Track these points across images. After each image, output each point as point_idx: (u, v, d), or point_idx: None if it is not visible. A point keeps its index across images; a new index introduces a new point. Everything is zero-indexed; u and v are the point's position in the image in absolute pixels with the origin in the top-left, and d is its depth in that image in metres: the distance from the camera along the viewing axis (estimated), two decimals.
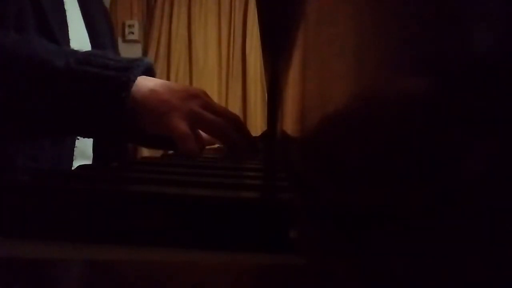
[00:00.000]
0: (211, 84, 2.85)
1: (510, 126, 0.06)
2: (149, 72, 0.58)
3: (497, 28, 0.06)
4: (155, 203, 0.22)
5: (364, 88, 0.14)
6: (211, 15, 2.96)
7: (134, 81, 0.53)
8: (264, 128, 1.43)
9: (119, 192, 0.23)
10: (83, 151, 0.74)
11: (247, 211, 0.21)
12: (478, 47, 0.07)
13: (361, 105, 0.14)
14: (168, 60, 2.93)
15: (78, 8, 0.76)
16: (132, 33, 2.91)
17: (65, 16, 0.69)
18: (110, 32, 0.84)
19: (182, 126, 0.54)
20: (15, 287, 0.15)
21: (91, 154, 0.77)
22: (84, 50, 0.56)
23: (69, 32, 0.68)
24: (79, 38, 0.72)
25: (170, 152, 0.74)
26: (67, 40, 0.67)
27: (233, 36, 2.95)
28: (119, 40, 2.77)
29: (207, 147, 0.76)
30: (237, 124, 0.60)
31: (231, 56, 2.95)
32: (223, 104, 2.71)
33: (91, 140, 0.77)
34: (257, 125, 2.75)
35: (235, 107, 2.79)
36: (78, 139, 0.70)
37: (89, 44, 0.76)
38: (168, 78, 2.81)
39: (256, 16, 0.53)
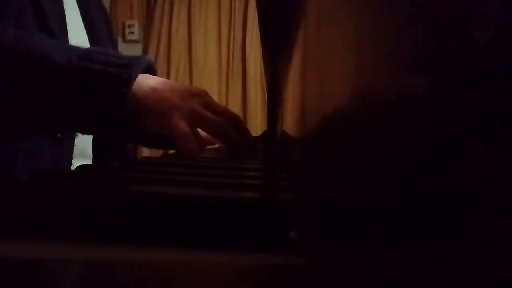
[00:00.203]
0: (211, 84, 2.85)
1: (510, 125, 0.06)
2: (150, 70, 0.58)
3: (498, 25, 0.06)
4: (155, 203, 0.22)
5: (364, 88, 0.14)
6: (211, 15, 2.96)
7: (135, 78, 0.53)
8: (264, 128, 1.43)
9: (119, 192, 0.23)
10: (83, 150, 0.74)
11: (247, 211, 0.21)
12: (477, 49, 0.07)
13: (361, 105, 0.14)
14: (168, 60, 2.93)
15: (77, 8, 0.76)
16: (132, 33, 2.91)
17: (64, 16, 0.69)
18: (108, 31, 0.84)
19: (183, 125, 0.54)
20: (15, 287, 0.15)
21: (91, 153, 0.77)
22: (84, 47, 0.56)
23: (68, 31, 0.68)
24: (78, 38, 0.72)
25: (170, 152, 0.74)
26: (66, 39, 0.67)
27: (233, 36, 2.95)
28: (119, 40, 2.77)
29: (207, 147, 0.76)
30: (237, 124, 0.60)
31: (231, 56, 2.95)
32: (223, 104, 2.71)
33: (90, 139, 0.77)
34: (257, 125, 2.75)
35: (235, 107, 2.79)
36: (77, 136, 0.70)
37: (88, 43, 0.76)
38: (168, 78, 2.79)
39: (256, 16, 0.53)
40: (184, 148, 0.54)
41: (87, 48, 0.56)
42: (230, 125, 0.57)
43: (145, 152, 2.32)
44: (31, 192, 0.23)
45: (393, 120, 0.11)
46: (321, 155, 0.22)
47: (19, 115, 0.54)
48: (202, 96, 0.57)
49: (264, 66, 0.85)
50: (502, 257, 0.06)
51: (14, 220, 0.22)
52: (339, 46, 0.19)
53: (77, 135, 0.71)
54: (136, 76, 0.53)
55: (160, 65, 2.86)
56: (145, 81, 0.54)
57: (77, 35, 0.73)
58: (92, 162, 0.77)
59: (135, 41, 2.92)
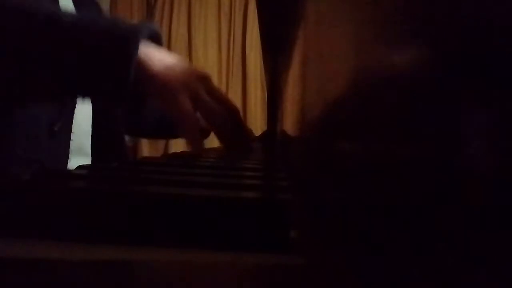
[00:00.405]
0: None
1: (510, 125, 0.06)
2: (156, 37, 0.56)
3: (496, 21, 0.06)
4: (155, 203, 0.22)
5: (364, 88, 0.14)
6: (211, 15, 2.96)
7: (140, 40, 0.50)
8: (264, 128, 1.43)
9: (119, 192, 0.23)
10: (80, 147, 0.74)
11: (247, 211, 0.21)
12: (477, 43, 0.07)
13: (360, 105, 0.15)
14: None
15: (72, 5, 0.76)
16: None
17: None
18: None
19: (188, 104, 0.52)
20: (15, 287, 0.15)
21: (89, 151, 0.77)
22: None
23: None
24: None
25: (170, 152, 0.74)
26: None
27: (233, 36, 2.95)
28: None
29: (207, 147, 0.76)
30: (236, 117, 0.58)
31: (231, 55, 2.96)
32: None
33: (88, 136, 0.77)
34: (257, 125, 2.75)
35: None
36: (73, 132, 0.70)
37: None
38: None
39: (256, 16, 0.53)
40: (185, 128, 0.51)
41: (91, 14, 0.54)
42: (228, 117, 0.56)
43: (145, 152, 2.32)
44: (31, 192, 0.23)
45: (393, 120, 0.11)
46: (321, 154, 0.22)
47: (21, 75, 0.52)
48: (207, 81, 0.56)
49: (264, 66, 0.85)
50: (503, 256, 0.06)
51: (14, 220, 0.22)
52: (338, 46, 0.19)
53: (73, 132, 0.70)
54: (143, 38, 0.51)
55: None
56: (153, 51, 0.52)
57: None
58: (92, 161, 0.77)
59: None
